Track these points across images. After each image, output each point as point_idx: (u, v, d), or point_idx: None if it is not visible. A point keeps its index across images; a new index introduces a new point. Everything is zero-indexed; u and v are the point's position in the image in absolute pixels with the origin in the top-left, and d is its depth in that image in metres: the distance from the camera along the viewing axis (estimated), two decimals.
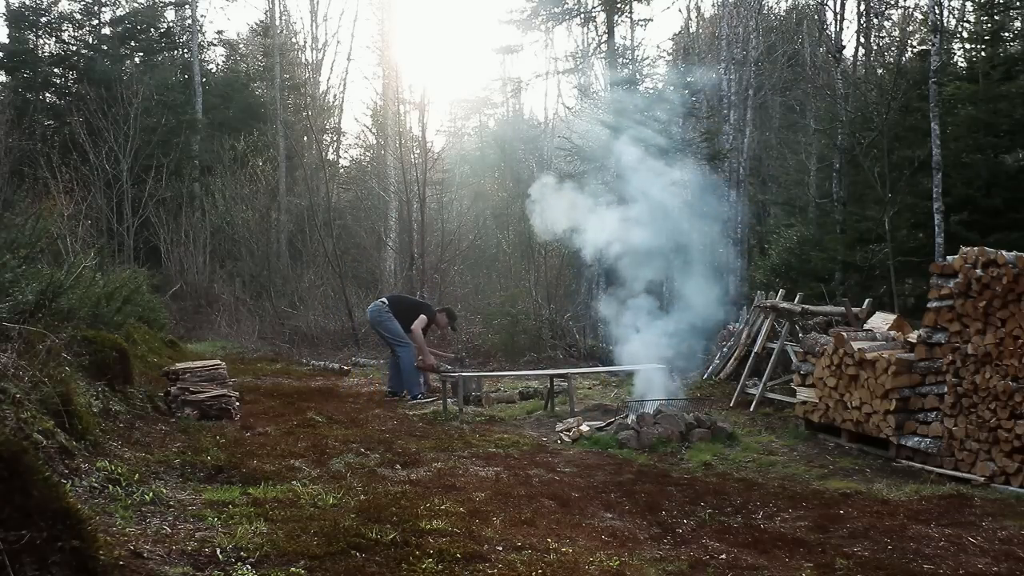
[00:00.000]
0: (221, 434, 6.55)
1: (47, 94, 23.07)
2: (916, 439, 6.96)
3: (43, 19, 23.08)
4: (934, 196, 12.24)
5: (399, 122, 19.84)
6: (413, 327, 10.02)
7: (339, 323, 16.05)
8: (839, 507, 5.57)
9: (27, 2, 22.96)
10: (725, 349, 11.01)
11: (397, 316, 10.10)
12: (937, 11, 14.01)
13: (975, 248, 6.66)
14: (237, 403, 7.69)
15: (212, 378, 7.55)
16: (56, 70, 23.13)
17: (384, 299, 10.65)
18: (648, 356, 9.48)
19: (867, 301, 9.66)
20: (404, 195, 18.32)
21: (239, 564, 3.62)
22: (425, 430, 7.85)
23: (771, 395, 9.43)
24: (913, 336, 7.34)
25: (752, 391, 9.62)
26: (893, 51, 20.53)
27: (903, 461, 7.01)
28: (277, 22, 25.74)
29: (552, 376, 9.87)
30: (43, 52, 22.97)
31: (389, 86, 22.81)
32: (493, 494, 5.39)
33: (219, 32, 35.40)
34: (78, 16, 23.60)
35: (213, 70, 26.66)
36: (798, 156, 19.94)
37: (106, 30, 23.75)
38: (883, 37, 21.21)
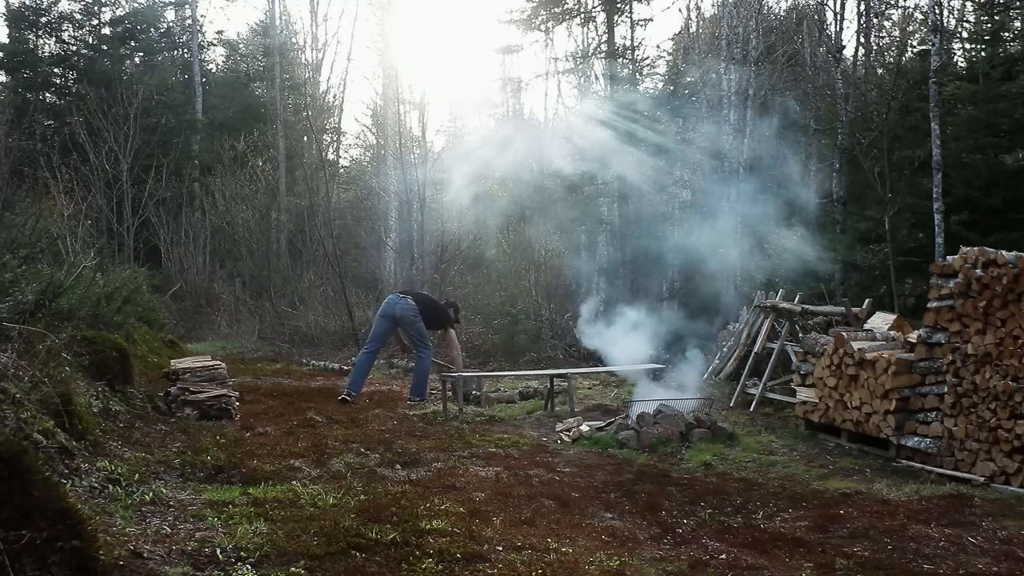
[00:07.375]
0: (221, 434, 6.55)
1: (47, 94, 23.02)
2: (916, 439, 6.97)
3: (43, 19, 23.02)
4: (934, 196, 12.23)
5: (399, 122, 19.82)
6: (452, 336, 10.10)
7: (339, 323, 16.03)
8: (839, 507, 5.57)
9: (27, 2, 22.91)
10: (725, 349, 11.01)
11: (422, 316, 9.85)
12: (937, 11, 14.01)
13: (975, 248, 6.66)
14: (237, 403, 7.70)
15: (212, 378, 7.55)
16: (56, 70, 23.08)
17: (409, 297, 10.11)
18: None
19: (867, 301, 9.66)
20: (404, 195, 18.31)
21: (239, 564, 3.62)
22: (425, 430, 7.85)
23: (771, 395, 9.43)
24: (913, 336, 7.34)
25: (752, 391, 9.62)
26: (893, 51, 20.52)
27: (903, 461, 7.02)
28: (277, 22, 25.68)
29: (552, 376, 9.86)
30: (43, 52, 22.91)
31: (389, 86, 22.77)
32: (493, 494, 5.39)
33: (219, 32, 35.23)
34: (78, 16, 23.55)
35: (213, 70, 26.63)
36: (798, 156, 19.94)
37: (106, 30, 23.72)
38: (883, 37, 21.21)
